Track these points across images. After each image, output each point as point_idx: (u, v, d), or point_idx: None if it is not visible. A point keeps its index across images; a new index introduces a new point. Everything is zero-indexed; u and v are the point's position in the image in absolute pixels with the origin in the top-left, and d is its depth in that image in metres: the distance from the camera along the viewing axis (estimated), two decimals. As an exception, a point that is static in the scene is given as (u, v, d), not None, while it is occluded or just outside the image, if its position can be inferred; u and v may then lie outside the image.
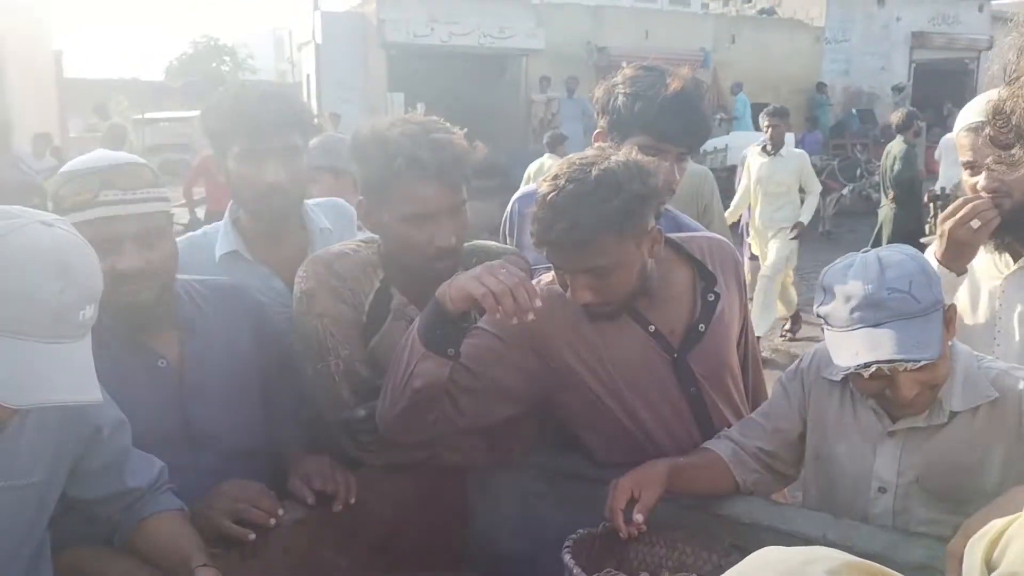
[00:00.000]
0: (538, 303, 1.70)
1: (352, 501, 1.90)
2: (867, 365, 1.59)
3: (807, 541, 1.74)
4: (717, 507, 1.88)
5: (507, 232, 2.64)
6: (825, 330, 1.74)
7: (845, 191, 13.26)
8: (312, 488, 1.89)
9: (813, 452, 1.91)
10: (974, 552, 0.80)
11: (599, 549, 1.73)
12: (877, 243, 7.77)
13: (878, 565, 0.90)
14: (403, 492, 2.03)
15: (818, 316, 1.77)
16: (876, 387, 1.67)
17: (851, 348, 1.63)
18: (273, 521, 1.76)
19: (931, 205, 6.44)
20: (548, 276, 2.00)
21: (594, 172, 1.76)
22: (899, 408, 1.72)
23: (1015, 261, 2.16)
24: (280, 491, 1.87)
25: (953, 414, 1.72)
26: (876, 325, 1.61)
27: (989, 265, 2.18)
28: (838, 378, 1.84)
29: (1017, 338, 2.13)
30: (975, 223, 1.95)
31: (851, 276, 1.67)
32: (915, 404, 1.69)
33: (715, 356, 2.01)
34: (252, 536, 1.73)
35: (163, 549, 1.62)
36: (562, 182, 1.77)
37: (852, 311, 1.64)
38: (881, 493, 1.79)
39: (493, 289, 1.68)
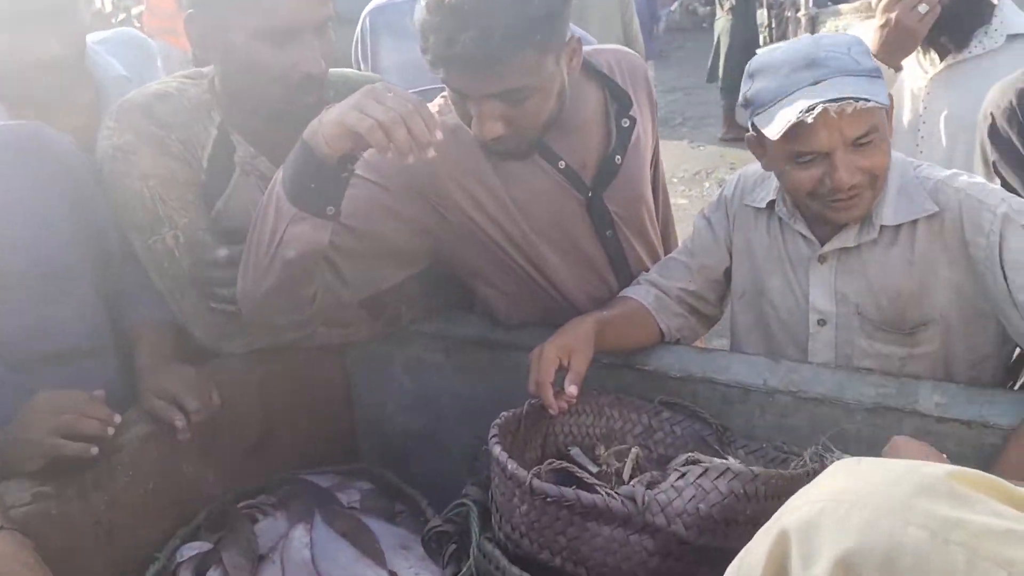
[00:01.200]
0: (439, 135, 1.33)
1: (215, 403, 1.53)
2: (811, 109, 1.35)
3: (745, 389, 1.57)
4: (643, 362, 1.65)
5: (359, 56, 2.19)
6: (753, 120, 1.49)
7: (674, 7, 13.11)
8: (177, 400, 1.48)
9: (740, 288, 1.71)
10: None
11: (525, 430, 1.47)
12: (716, 57, 7.67)
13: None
14: (274, 381, 1.70)
15: (744, 107, 1.53)
16: (811, 178, 1.44)
17: (789, 112, 1.39)
18: (111, 430, 1.37)
19: (767, 12, 6.30)
20: (432, 107, 1.63)
21: None
22: (835, 212, 1.49)
23: (941, 60, 1.99)
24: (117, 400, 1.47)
25: (884, 229, 1.53)
26: (815, 83, 1.39)
27: (913, 66, 2.01)
28: (763, 204, 1.64)
29: (944, 143, 2.00)
30: (923, 7, 1.73)
31: (781, 50, 1.49)
32: (852, 206, 1.47)
33: (631, 191, 1.73)
34: (95, 451, 1.34)
35: None
36: None
37: (788, 75, 1.42)
38: (821, 326, 1.61)
39: (381, 120, 1.28)
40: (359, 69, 2.22)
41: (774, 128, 1.41)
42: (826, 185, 1.44)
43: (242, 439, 1.65)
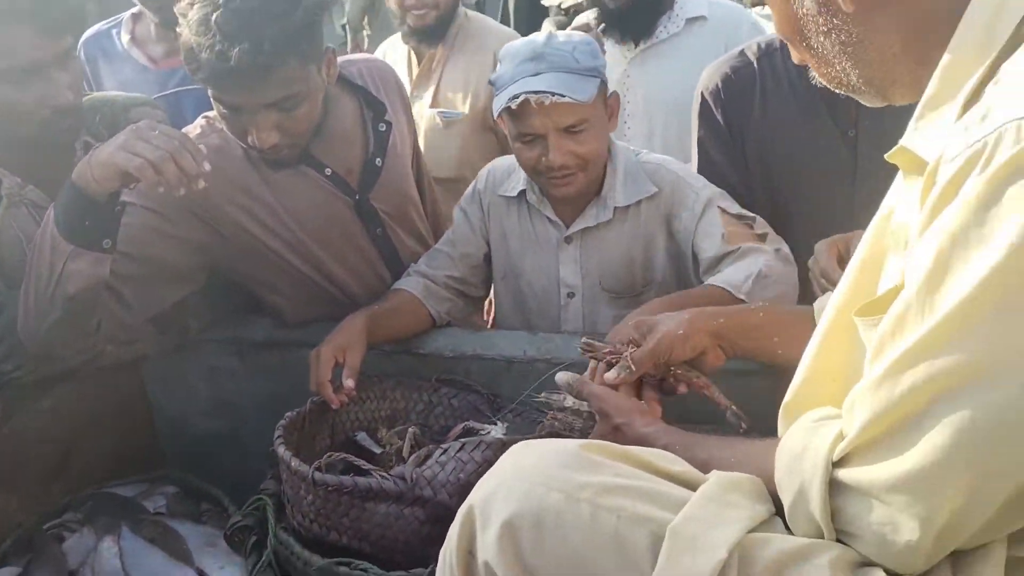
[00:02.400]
0: (207, 166, 1.44)
1: None
2: (516, 96, 1.58)
3: (509, 361, 1.78)
4: (419, 346, 1.84)
5: (85, 86, 2.22)
6: (495, 99, 1.70)
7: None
8: None
9: (500, 271, 1.91)
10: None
11: (311, 425, 1.63)
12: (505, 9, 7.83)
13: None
14: (69, 404, 1.76)
15: (490, 85, 1.74)
16: (533, 156, 1.66)
17: (506, 96, 1.62)
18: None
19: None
20: (194, 129, 1.72)
21: None
22: (554, 188, 1.71)
23: (636, 46, 2.27)
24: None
25: (617, 210, 1.76)
26: (535, 75, 1.61)
27: (614, 54, 2.27)
28: (514, 193, 1.84)
29: (645, 121, 2.27)
30: None
31: (521, 41, 1.71)
32: (566, 183, 1.68)
33: (396, 190, 1.89)
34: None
35: None
36: None
37: (516, 65, 1.63)
38: (570, 298, 1.84)
39: (150, 158, 1.38)
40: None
41: (495, 108, 1.65)
42: (543, 163, 1.66)
43: (42, 464, 1.71)
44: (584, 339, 1.37)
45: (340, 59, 1.85)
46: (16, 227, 1.69)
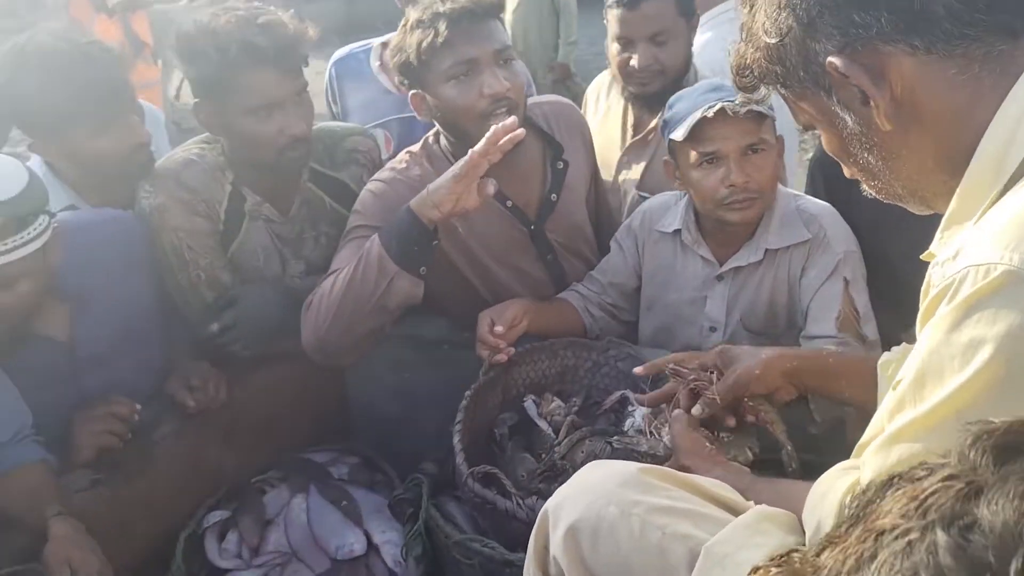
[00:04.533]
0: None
1: (223, 399, 1.96)
2: (712, 106, 1.68)
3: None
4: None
5: (329, 99, 2.57)
6: (670, 137, 1.80)
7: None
8: (191, 387, 1.92)
9: (647, 302, 2.04)
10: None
11: (483, 389, 1.86)
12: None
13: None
14: (277, 380, 2.10)
15: (663, 130, 1.85)
16: (716, 179, 1.73)
17: (695, 115, 1.72)
18: (136, 416, 1.82)
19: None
20: (399, 163, 2.00)
21: None
22: (733, 213, 1.77)
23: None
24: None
25: (768, 252, 1.84)
26: (720, 99, 1.71)
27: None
28: (670, 230, 1.96)
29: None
30: None
31: (695, 85, 1.85)
32: (747, 206, 1.76)
33: (568, 222, 2.09)
34: (127, 437, 1.78)
35: (19, 504, 1.63)
36: None
37: (697, 97, 1.75)
38: (712, 332, 1.94)
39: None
40: (331, 111, 2.62)
41: (682, 130, 1.74)
42: (727, 186, 1.74)
43: (253, 428, 2.06)
44: (672, 364, 1.51)
45: (529, 101, 2.08)
46: (254, 238, 2.06)
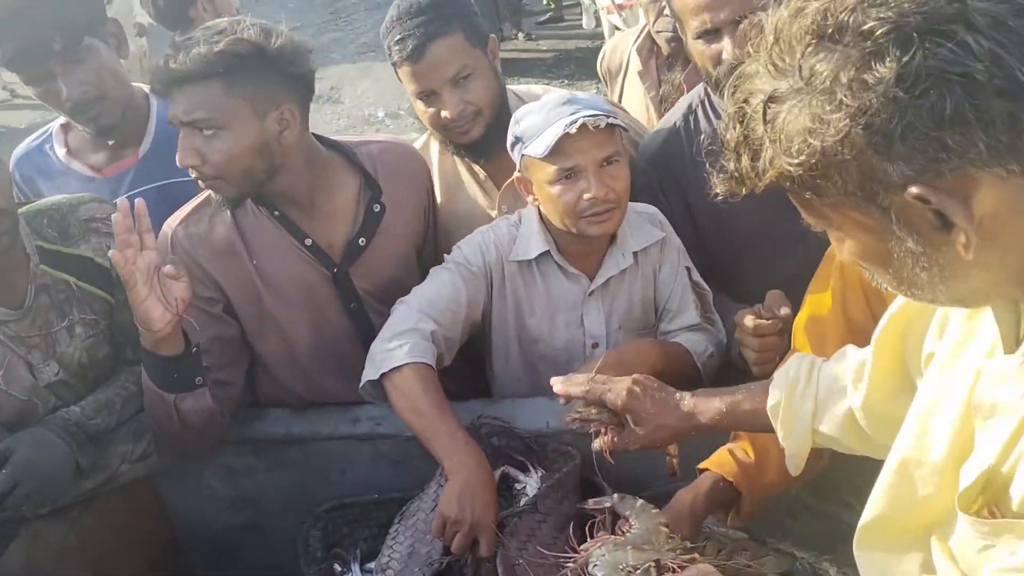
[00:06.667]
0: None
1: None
2: (574, 122, 1.60)
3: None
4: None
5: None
6: (524, 153, 1.70)
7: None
8: None
9: (516, 338, 1.88)
10: None
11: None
12: None
13: None
14: (91, 530, 1.73)
15: (513, 146, 1.73)
16: (575, 194, 1.66)
17: (555, 129, 1.62)
18: None
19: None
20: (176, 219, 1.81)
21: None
22: (592, 226, 1.69)
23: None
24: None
25: (635, 255, 1.81)
26: (574, 112, 1.63)
27: None
28: (533, 255, 1.80)
29: None
30: None
31: (544, 98, 1.72)
32: (607, 219, 1.70)
33: (381, 271, 1.89)
34: None
35: None
36: None
37: (549, 111, 1.66)
38: (594, 348, 1.85)
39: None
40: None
41: (541, 145, 1.63)
42: (584, 200, 1.65)
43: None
44: (574, 412, 1.46)
45: (360, 139, 1.95)
46: None
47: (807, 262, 1.63)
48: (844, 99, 0.75)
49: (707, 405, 1.38)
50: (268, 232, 1.80)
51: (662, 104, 2.35)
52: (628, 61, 2.58)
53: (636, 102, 2.49)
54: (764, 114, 0.81)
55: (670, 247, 1.85)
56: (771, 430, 1.30)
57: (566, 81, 6.86)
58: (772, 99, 0.80)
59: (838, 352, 1.27)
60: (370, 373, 1.67)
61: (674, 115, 1.95)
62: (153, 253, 1.61)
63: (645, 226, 1.84)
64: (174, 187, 1.97)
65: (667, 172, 1.94)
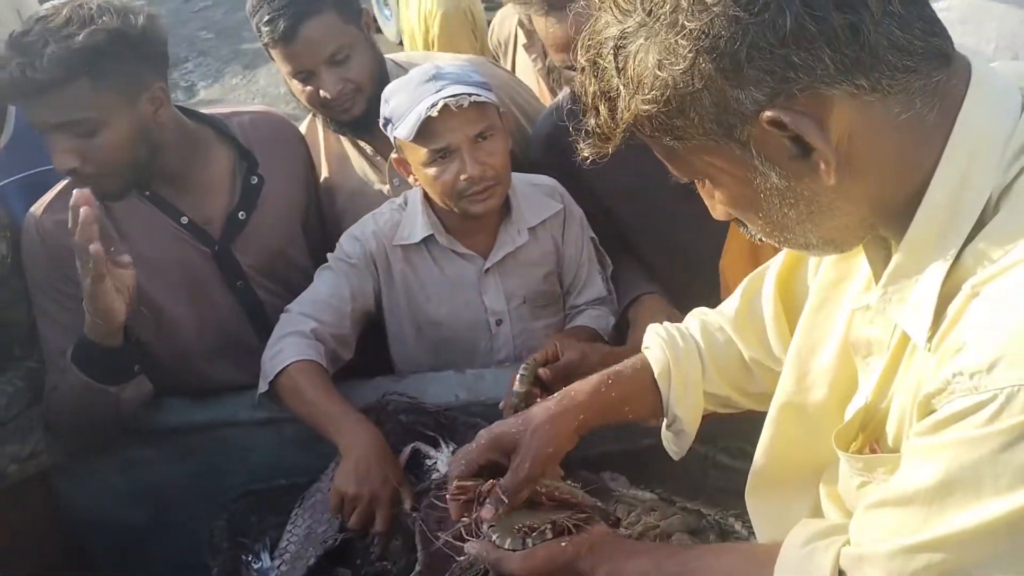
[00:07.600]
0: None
1: None
2: (434, 104, 1.54)
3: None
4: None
5: None
6: (395, 136, 1.64)
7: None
8: None
9: (414, 323, 1.83)
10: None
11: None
12: None
13: None
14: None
15: (385, 127, 1.68)
16: (452, 175, 1.62)
17: (418, 111, 1.57)
18: None
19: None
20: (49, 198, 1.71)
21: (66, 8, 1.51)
22: (475, 205, 1.66)
23: None
24: None
25: (531, 230, 1.77)
26: (438, 91, 1.58)
27: None
28: (417, 239, 1.75)
29: None
30: None
31: (410, 74, 1.66)
32: (488, 196, 1.66)
33: (264, 244, 1.83)
34: None
35: None
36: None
37: (414, 90, 1.60)
38: (499, 326, 1.82)
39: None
40: None
41: (407, 127, 1.58)
42: (461, 180, 1.62)
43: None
44: (449, 489, 1.19)
45: (229, 111, 1.86)
46: None
47: (711, 239, 1.64)
48: (686, 24, 0.72)
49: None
50: (140, 213, 1.72)
51: (550, 75, 2.31)
52: (515, 33, 2.55)
53: (529, 75, 2.44)
54: (615, 60, 0.78)
55: (572, 218, 1.82)
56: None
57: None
58: (621, 40, 0.77)
59: (720, 306, 1.24)
60: (262, 385, 1.63)
61: (563, 92, 1.91)
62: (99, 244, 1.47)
63: (542, 199, 1.80)
64: (40, 176, 1.87)
65: (562, 155, 1.87)
